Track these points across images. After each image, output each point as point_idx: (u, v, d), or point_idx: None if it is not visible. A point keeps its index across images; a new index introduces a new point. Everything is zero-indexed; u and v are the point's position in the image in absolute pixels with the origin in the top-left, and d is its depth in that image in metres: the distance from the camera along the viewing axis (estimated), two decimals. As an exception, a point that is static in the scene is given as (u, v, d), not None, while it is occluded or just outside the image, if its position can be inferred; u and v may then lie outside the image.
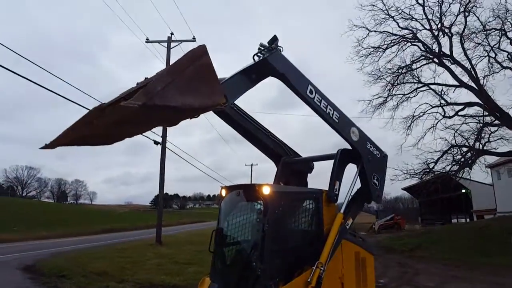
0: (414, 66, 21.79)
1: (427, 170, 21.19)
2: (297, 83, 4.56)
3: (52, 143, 3.87)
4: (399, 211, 63.68)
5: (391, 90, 21.96)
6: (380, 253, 20.43)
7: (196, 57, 3.14)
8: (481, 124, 20.53)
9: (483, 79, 20.18)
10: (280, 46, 4.46)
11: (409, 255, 19.86)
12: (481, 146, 20.34)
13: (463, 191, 38.88)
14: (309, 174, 6.20)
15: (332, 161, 5.24)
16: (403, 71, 21.79)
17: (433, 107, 21.45)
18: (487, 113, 20.35)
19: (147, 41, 23.79)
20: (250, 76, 4.25)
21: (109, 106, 3.34)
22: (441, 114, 21.39)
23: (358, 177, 5.38)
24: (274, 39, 4.44)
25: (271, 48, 4.36)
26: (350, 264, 5.16)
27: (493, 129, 20.39)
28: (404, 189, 47.46)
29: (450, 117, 21.29)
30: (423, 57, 21.63)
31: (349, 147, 5.23)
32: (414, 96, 21.97)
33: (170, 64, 3.11)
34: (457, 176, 22.07)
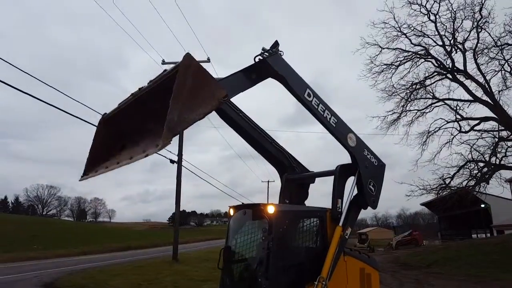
0: (427, 82, 21.87)
1: (444, 185, 20.94)
2: (296, 85, 4.77)
3: (85, 172, 4.36)
4: (419, 227, 62.32)
5: (405, 106, 21.99)
6: (397, 269, 20.13)
7: (187, 68, 3.35)
8: (496, 139, 20.40)
9: (498, 94, 20.16)
10: (280, 51, 4.70)
11: (426, 271, 19.48)
12: (497, 160, 20.14)
13: (482, 206, 37.92)
14: (311, 185, 6.33)
15: (333, 177, 5.40)
16: (417, 87, 21.82)
17: (448, 122, 21.40)
18: (502, 128, 20.20)
19: (163, 62, 24.54)
20: (250, 76, 4.46)
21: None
22: (456, 129, 21.29)
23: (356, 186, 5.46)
24: (276, 44, 4.70)
25: (272, 52, 4.60)
26: (355, 280, 5.28)
27: (509, 143, 20.18)
28: (422, 204, 46.60)
29: (465, 132, 21.15)
30: (437, 73, 21.64)
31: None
32: (429, 112, 22.00)
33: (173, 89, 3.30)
34: (475, 191, 21.74)
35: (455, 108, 21.30)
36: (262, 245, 4.73)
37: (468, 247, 25.64)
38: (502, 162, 20.14)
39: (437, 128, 21.50)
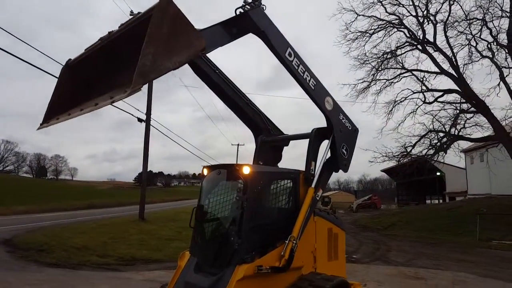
0: (398, 52, 22.36)
1: (405, 153, 22.03)
2: (277, 43, 4.58)
3: (45, 119, 4.02)
4: (378, 192, 65.50)
5: (376, 75, 22.54)
6: (357, 231, 21.25)
7: (164, 11, 3.09)
8: (458, 111, 21.40)
9: (463, 67, 20.90)
10: (263, 5, 4.47)
11: (383, 233, 20.71)
12: (456, 131, 21.27)
13: (438, 174, 40.29)
14: (285, 147, 6.32)
15: (308, 140, 5.40)
16: (388, 57, 22.33)
17: (414, 93, 22.21)
18: (464, 100, 21.19)
19: (132, 14, 23.13)
20: (230, 29, 4.26)
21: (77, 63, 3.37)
22: (421, 100, 22.16)
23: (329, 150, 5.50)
24: None
25: (254, 5, 4.37)
26: (323, 239, 5.45)
27: (468, 115, 21.27)
28: (383, 170, 48.81)
29: (429, 103, 22.13)
30: (408, 43, 22.16)
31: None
32: (397, 82, 22.72)
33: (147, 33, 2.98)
34: (433, 160, 23.03)
35: (421, 79, 22.13)
36: (235, 205, 4.72)
37: (422, 212, 27.41)
38: (461, 133, 21.33)
39: (403, 98, 22.33)
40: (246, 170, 4.54)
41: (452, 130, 21.27)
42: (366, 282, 8.24)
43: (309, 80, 4.93)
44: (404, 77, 22.53)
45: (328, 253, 5.57)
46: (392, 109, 22.36)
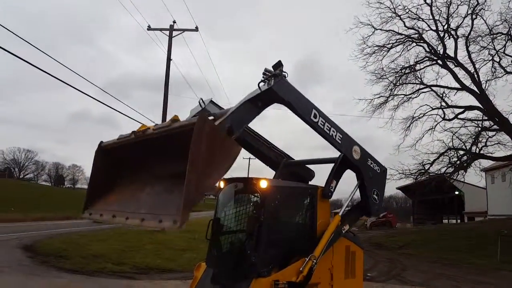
0: (417, 67, 21.90)
1: (423, 171, 21.45)
2: (302, 109, 4.68)
3: (88, 203, 4.46)
4: (392, 210, 64.20)
5: (393, 90, 22.15)
6: (371, 249, 20.87)
7: (201, 130, 3.14)
8: (479, 128, 20.74)
9: (485, 84, 20.35)
10: (285, 72, 4.51)
11: (398, 252, 20.28)
12: (477, 150, 20.58)
13: (456, 193, 39.33)
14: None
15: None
16: (406, 71, 21.89)
17: (433, 109, 21.67)
18: (486, 118, 20.55)
19: (149, 28, 23.68)
20: (256, 104, 4.32)
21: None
22: (440, 117, 21.61)
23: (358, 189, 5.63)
24: (279, 65, 4.50)
25: (276, 75, 4.41)
26: (341, 256, 5.44)
27: (491, 133, 20.61)
28: (398, 188, 47.88)
29: (449, 120, 21.52)
30: (427, 58, 21.72)
31: None
32: (416, 97, 22.22)
33: (190, 150, 3.06)
34: (452, 178, 22.40)
35: (441, 95, 21.60)
36: (252, 219, 4.77)
37: (439, 232, 26.74)
38: (482, 152, 20.64)
39: (422, 114, 21.80)
40: (264, 184, 4.60)
41: (473, 148, 20.59)
42: (381, 301, 8.11)
43: (336, 136, 5.03)
44: (423, 92, 22.14)
45: (345, 271, 5.54)
46: (409, 125, 21.94)
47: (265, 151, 5.94)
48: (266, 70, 4.52)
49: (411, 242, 22.88)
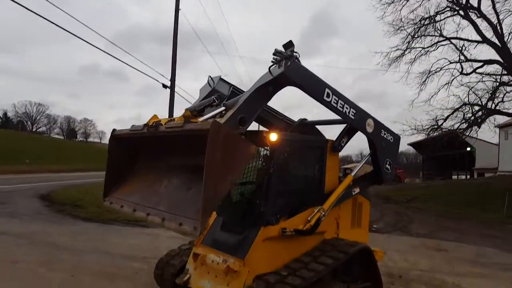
0: (437, 18, 20.97)
1: (435, 126, 21.37)
2: (315, 91, 4.57)
3: (107, 191, 4.60)
4: (402, 166, 64.42)
5: (411, 42, 21.48)
6: (379, 202, 21.20)
7: (216, 136, 3.15)
8: (497, 83, 20.27)
9: (508, 36, 19.45)
10: (296, 52, 4.31)
11: (406, 206, 20.58)
12: (493, 105, 20.33)
13: (468, 149, 39.02)
14: None
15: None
16: (426, 23, 21.00)
17: (451, 63, 21.11)
18: (505, 72, 19.99)
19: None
20: (267, 89, 4.21)
21: None
22: (458, 71, 21.07)
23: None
24: (290, 45, 4.30)
25: (287, 57, 4.20)
26: (348, 207, 5.51)
27: (509, 88, 20.13)
28: (410, 144, 47.72)
29: (467, 74, 21.06)
30: (449, 9, 20.72)
31: None
32: (434, 51, 21.54)
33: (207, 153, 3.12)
34: (465, 134, 22.27)
35: (460, 48, 20.85)
36: (262, 171, 4.78)
37: (448, 187, 26.90)
38: (498, 107, 20.35)
39: (439, 68, 21.30)
40: (273, 137, 4.56)
41: (489, 103, 20.25)
42: (386, 251, 8.31)
43: (349, 112, 4.92)
44: (442, 45, 21.35)
45: (351, 221, 5.65)
46: (425, 79, 21.48)
47: (274, 121, 5.86)
48: (276, 51, 4.32)
49: (419, 196, 23.13)
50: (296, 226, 4.61)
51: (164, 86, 20.56)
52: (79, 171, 34.15)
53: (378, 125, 5.40)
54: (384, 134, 5.50)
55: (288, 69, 4.12)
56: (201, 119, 3.91)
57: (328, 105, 4.67)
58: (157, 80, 18.42)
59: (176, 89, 21.73)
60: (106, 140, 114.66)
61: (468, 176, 42.65)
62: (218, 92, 5.04)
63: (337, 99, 4.73)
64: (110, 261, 6.80)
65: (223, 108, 4.07)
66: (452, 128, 21.31)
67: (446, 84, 21.17)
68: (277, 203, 4.63)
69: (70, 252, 7.27)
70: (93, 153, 57.72)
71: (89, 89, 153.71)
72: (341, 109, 4.78)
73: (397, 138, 5.76)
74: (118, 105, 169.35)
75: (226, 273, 4.37)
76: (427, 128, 21.36)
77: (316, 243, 4.98)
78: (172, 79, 21.74)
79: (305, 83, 4.42)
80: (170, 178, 4.05)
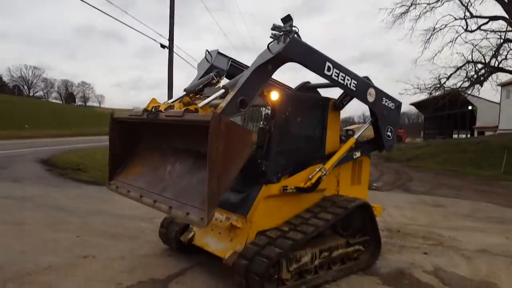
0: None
1: (438, 85, 21.56)
2: (315, 66, 4.47)
3: (112, 175, 4.65)
4: (404, 126, 64.44)
5: (416, -3, 20.89)
6: (379, 161, 21.40)
7: (217, 129, 3.16)
8: (501, 40, 20.09)
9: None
10: (295, 27, 4.18)
11: (406, 164, 20.80)
12: (497, 63, 20.30)
13: (470, 108, 38.85)
14: None
15: None
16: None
17: (456, 19, 20.85)
18: (510, 28, 19.71)
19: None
20: (266, 68, 4.08)
21: None
22: (463, 28, 20.87)
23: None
24: (288, 19, 4.17)
25: (286, 33, 4.08)
26: (348, 165, 5.54)
27: (513, 46, 19.84)
28: (412, 104, 47.53)
29: (471, 31, 20.88)
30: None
31: None
32: (439, 7, 21.20)
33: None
34: (466, 93, 22.31)
35: (466, 4, 20.50)
36: (263, 130, 4.75)
37: (448, 145, 27.05)
38: (501, 65, 20.31)
39: (444, 25, 21.10)
40: (274, 96, 4.49)
41: (492, 61, 20.27)
42: (385, 207, 8.47)
43: (350, 84, 4.84)
44: (447, 1, 20.94)
45: (351, 178, 5.70)
46: (430, 37, 21.31)
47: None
48: (274, 26, 4.21)
49: (419, 155, 23.33)
50: (297, 184, 4.69)
51: (162, 46, 20.02)
52: (79, 135, 34.15)
53: (379, 93, 5.37)
54: (386, 102, 5.50)
55: (288, 46, 4.02)
56: (200, 104, 3.87)
57: (329, 79, 4.63)
58: (155, 40, 17.91)
59: (175, 49, 21.17)
60: (105, 104, 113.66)
61: (469, 135, 42.73)
62: (216, 68, 4.97)
63: (338, 71, 4.68)
64: (115, 222, 6.93)
65: (222, 90, 4.05)
66: (454, 87, 21.30)
67: (450, 42, 21.03)
68: (278, 162, 4.65)
69: (74, 214, 7.39)
70: (92, 118, 57.55)
71: (85, 51, 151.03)
72: (342, 82, 4.75)
73: (398, 104, 5.75)
74: (117, 67, 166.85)
75: (230, 230, 4.47)
76: (430, 87, 21.56)
77: (317, 200, 5.07)
78: (171, 38, 21.15)
79: (305, 59, 4.34)
80: (173, 163, 4.11)
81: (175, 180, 3.90)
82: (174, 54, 21.15)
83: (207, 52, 5.22)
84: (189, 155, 3.94)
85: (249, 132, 3.58)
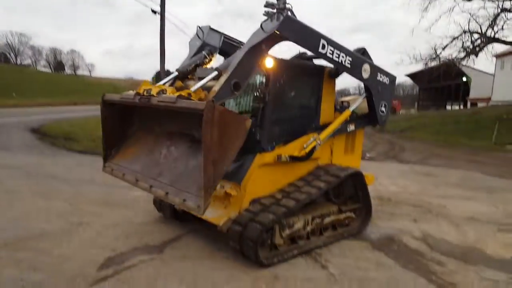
0: None
1: (434, 56, 21.43)
2: (310, 44, 4.38)
3: (107, 157, 4.66)
4: (398, 97, 64.41)
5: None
6: (373, 132, 21.51)
7: (211, 117, 3.14)
8: (499, 9, 19.73)
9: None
10: (288, 4, 4.06)
11: (399, 135, 20.95)
12: (493, 33, 20.11)
13: (464, 79, 38.76)
14: None
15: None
16: None
17: (455, -13, 20.16)
18: (508, -2, 19.30)
19: None
20: (260, 49, 4.00)
21: None
22: (461, -4, 20.23)
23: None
24: None
25: (280, 11, 3.97)
26: (342, 135, 5.55)
27: (509, 15, 19.67)
28: (407, 75, 47.32)
29: (469, 0, 20.33)
30: None
31: None
32: None
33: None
34: (461, 64, 22.23)
35: (465, -29, 19.84)
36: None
37: (441, 116, 27.18)
38: (497, 36, 20.12)
39: None
40: (269, 63, 4.39)
41: (489, 31, 20.02)
42: (377, 176, 8.57)
43: (345, 61, 4.79)
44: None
45: (345, 147, 5.73)
46: (427, 5, 20.74)
47: None
48: (268, 3, 4.06)
49: (412, 126, 23.46)
50: (291, 153, 4.71)
51: (153, 11, 19.40)
52: (70, 105, 33.60)
53: (374, 69, 5.34)
54: (380, 77, 5.48)
55: (281, 25, 3.95)
56: (193, 88, 3.81)
57: (323, 56, 4.58)
58: (145, 5, 17.32)
59: (167, 15, 20.49)
60: (95, 73, 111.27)
61: (462, 107, 42.90)
62: (208, 45, 4.87)
63: (332, 49, 4.62)
64: (109, 191, 6.92)
65: (215, 73, 3.98)
66: (450, 58, 21.19)
67: (448, 10, 20.57)
68: (273, 130, 4.64)
69: (67, 183, 7.37)
70: (83, 87, 56.45)
71: (74, 17, 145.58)
72: (336, 59, 4.70)
73: (392, 79, 5.73)
74: (107, 35, 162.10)
75: (224, 197, 4.49)
76: (426, 58, 21.46)
77: (311, 168, 5.10)
78: (162, 4, 20.47)
79: (300, 37, 4.27)
80: (168, 146, 4.10)
81: (171, 164, 3.92)
82: (166, 21, 20.54)
83: (198, 28, 5.08)
84: (183, 138, 3.95)
85: (243, 118, 3.55)
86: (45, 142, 12.57)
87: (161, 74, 23.73)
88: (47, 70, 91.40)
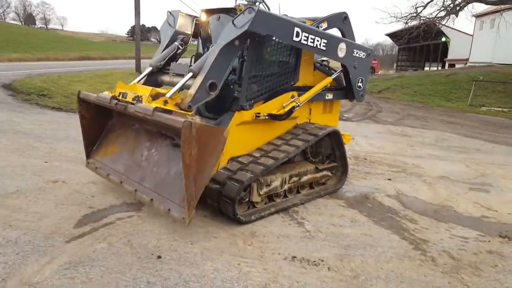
0: None
1: (414, 14, 21.16)
2: (283, 35, 4.34)
3: (89, 154, 4.77)
4: (378, 57, 64.22)
5: None
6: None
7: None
8: None
9: None
10: None
11: (377, 96, 21.13)
12: None
13: (443, 39, 38.84)
14: None
15: None
16: None
17: None
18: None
19: None
20: (233, 45, 3.96)
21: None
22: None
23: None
24: None
25: (251, 4, 3.97)
26: (319, 100, 5.57)
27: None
28: (387, 34, 47.01)
29: None
30: None
31: None
32: None
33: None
34: (441, 23, 22.10)
35: None
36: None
37: (419, 77, 27.43)
38: None
39: None
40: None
41: None
42: (354, 136, 8.74)
43: (320, 45, 4.73)
44: None
45: (323, 107, 5.75)
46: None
47: None
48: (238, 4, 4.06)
49: (390, 87, 23.64)
50: (269, 111, 4.70)
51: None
52: (42, 60, 31.98)
53: (350, 46, 5.30)
54: (356, 53, 5.44)
55: (254, 21, 3.85)
56: (168, 94, 3.75)
57: (298, 44, 4.53)
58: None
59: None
60: (67, 27, 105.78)
61: (440, 68, 43.33)
62: (180, 34, 4.87)
63: (306, 35, 4.56)
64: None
65: (190, 74, 3.96)
66: (430, 17, 21.03)
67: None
68: (251, 88, 4.57)
69: (41, 140, 7.17)
70: (55, 41, 53.54)
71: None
72: (311, 45, 4.66)
73: (369, 53, 5.70)
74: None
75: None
76: (406, 16, 21.17)
77: (289, 127, 5.13)
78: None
79: (273, 30, 4.21)
80: (149, 148, 4.09)
81: (153, 169, 3.93)
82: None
83: (168, 14, 4.95)
84: (162, 139, 3.99)
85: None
86: (18, 99, 12.05)
87: (136, 29, 22.71)
88: (17, 23, 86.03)
